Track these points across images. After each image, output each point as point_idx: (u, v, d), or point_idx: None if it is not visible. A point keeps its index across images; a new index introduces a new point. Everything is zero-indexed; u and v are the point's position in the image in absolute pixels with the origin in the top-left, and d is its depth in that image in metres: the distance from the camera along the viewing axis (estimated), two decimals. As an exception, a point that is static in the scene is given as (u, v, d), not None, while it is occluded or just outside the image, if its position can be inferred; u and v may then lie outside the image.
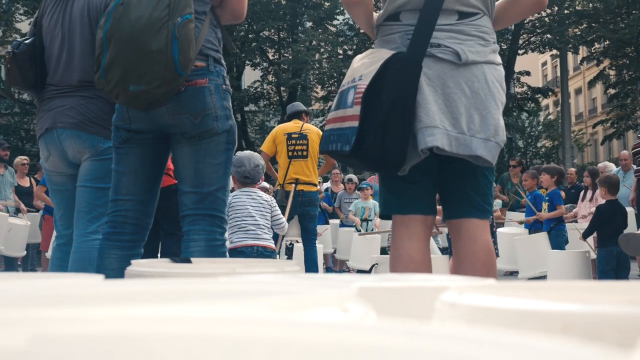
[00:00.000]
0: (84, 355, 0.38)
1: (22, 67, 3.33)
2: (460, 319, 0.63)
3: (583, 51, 26.96)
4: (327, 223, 10.95)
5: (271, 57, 24.51)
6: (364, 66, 2.54)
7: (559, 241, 8.28)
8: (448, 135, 2.50)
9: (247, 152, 5.47)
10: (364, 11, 2.75)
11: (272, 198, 5.43)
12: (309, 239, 6.77)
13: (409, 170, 2.56)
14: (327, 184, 12.33)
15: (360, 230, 9.98)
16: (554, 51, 26.15)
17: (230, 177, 2.90)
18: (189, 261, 1.87)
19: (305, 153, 6.91)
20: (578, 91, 40.45)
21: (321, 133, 6.98)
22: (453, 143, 2.50)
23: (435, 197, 2.75)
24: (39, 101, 3.43)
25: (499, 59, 2.68)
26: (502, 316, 0.59)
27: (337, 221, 11.18)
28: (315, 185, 7.02)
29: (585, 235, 7.59)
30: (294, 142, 6.89)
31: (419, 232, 2.62)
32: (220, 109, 2.78)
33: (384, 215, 2.79)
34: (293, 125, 7.06)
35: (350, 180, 11.58)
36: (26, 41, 3.39)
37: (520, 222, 9.17)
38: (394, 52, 2.53)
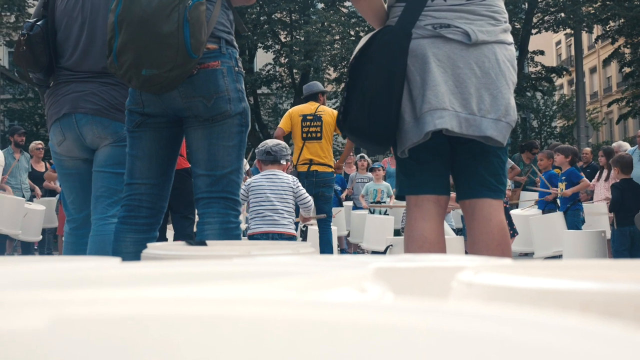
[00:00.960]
0: (104, 336, 0.38)
1: (35, 50, 3.28)
2: (477, 298, 0.63)
3: (597, 30, 26.69)
4: (341, 205, 10.94)
5: (283, 39, 24.44)
6: (361, 42, 2.57)
7: (575, 221, 8.25)
8: (458, 116, 2.49)
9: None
10: (369, 5, 2.70)
11: (296, 178, 5.33)
12: (323, 220, 6.77)
13: (421, 152, 2.56)
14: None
15: (372, 212, 9.96)
16: (568, 30, 25.89)
17: (244, 160, 2.90)
18: (204, 244, 1.88)
19: (319, 135, 6.91)
20: (593, 70, 40.10)
21: (336, 114, 7.00)
22: (463, 124, 2.50)
23: (449, 177, 2.75)
24: (52, 85, 3.40)
25: (510, 39, 2.67)
26: (519, 295, 0.59)
27: (350, 203, 11.16)
28: (330, 166, 7.02)
29: (612, 208, 7.47)
30: (308, 123, 6.89)
31: (432, 213, 2.62)
32: (233, 91, 2.78)
33: (399, 196, 2.80)
34: (308, 107, 7.06)
35: (362, 157, 11.52)
36: (38, 22, 3.33)
37: (536, 202, 9.12)
38: (384, 26, 2.55)
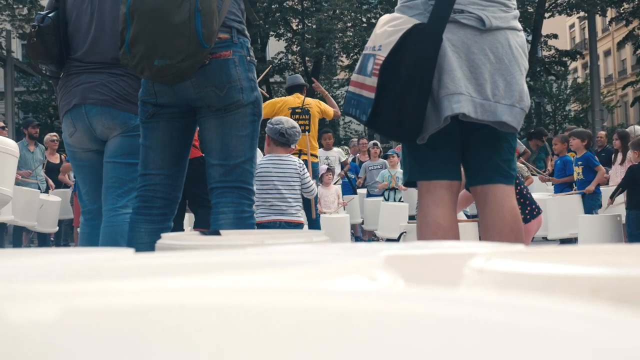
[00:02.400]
0: (114, 328, 0.39)
1: (46, 41, 3.29)
2: (489, 285, 0.63)
3: (611, 12, 26.42)
4: (355, 193, 10.95)
5: (295, 27, 24.39)
6: (385, 35, 2.52)
7: (592, 205, 8.21)
8: (473, 101, 2.49)
9: (285, 117, 5.49)
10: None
11: (302, 162, 5.28)
12: (310, 209, 6.84)
13: (432, 137, 2.55)
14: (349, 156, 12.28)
15: (387, 199, 9.95)
16: (582, 13, 25.66)
17: (257, 149, 2.90)
18: (218, 233, 1.89)
19: (307, 127, 7.05)
20: (607, 53, 39.76)
21: (319, 103, 7.15)
22: (478, 110, 2.49)
23: (460, 163, 2.74)
24: (64, 76, 3.40)
25: (519, 25, 2.67)
26: (530, 281, 0.59)
27: (364, 191, 11.15)
28: (315, 156, 7.24)
29: (612, 196, 7.48)
30: (297, 117, 6.97)
31: (445, 199, 2.62)
32: (245, 81, 2.78)
33: (408, 183, 2.78)
34: (294, 100, 7.19)
35: (375, 144, 11.50)
36: (50, 14, 3.34)
37: (543, 181, 9.05)
38: (415, 23, 2.51)
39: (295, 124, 5.21)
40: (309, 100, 7.26)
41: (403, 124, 2.50)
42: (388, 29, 2.54)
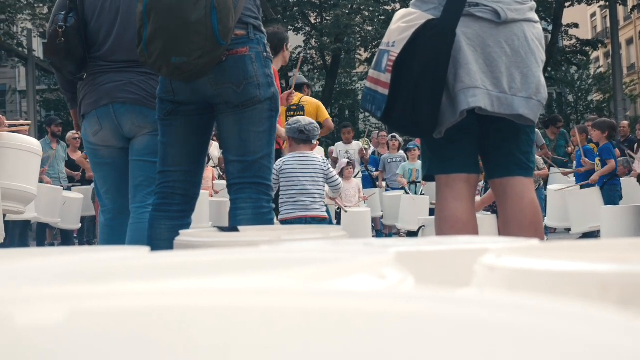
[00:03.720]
0: (120, 329, 0.39)
1: (71, 42, 3.27)
2: (498, 282, 0.63)
3: (632, 0, 26.13)
4: (375, 186, 10.93)
5: (313, 22, 24.37)
6: (399, 31, 2.52)
7: (612, 196, 8.12)
8: (490, 95, 2.48)
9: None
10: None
11: (326, 159, 5.26)
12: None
13: (450, 130, 2.55)
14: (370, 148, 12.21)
15: (408, 193, 9.93)
16: (603, 2, 25.41)
17: (275, 145, 2.91)
18: (237, 230, 1.90)
19: None
20: (629, 41, 39.30)
21: (318, 105, 7.18)
22: (495, 103, 2.48)
23: (478, 156, 2.73)
24: (87, 76, 3.39)
25: (536, 17, 2.65)
26: (539, 278, 0.59)
27: (384, 184, 11.13)
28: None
29: None
30: (292, 113, 6.98)
31: (463, 192, 2.61)
32: (262, 77, 2.78)
33: (427, 177, 2.78)
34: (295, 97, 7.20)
35: (393, 137, 11.45)
36: (70, 14, 3.31)
37: (564, 174, 8.97)
38: (428, 19, 2.50)
39: (312, 120, 5.23)
40: (306, 98, 7.31)
41: (417, 119, 2.50)
42: (402, 24, 2.53)
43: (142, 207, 3.23)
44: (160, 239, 2.76)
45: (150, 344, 0.38)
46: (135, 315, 0.40)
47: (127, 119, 3.29)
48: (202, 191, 6.89)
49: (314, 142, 5.15)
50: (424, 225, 4.77)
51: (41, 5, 22.58)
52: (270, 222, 2.83)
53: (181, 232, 1.76)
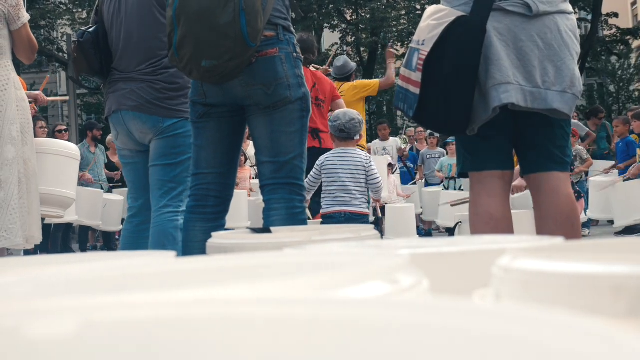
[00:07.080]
0: (130, 340, 0.40)
1: (87, 55, 3.47)
2: (514, 284, 0.63)
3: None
4: (415, 183, 10.88)
5: (349, 18, 24.35)
6: (428, 29, 2.50)
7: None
8: (522, 90, 2.45)
9: (343, 109, 5.41)
10: None
11: (369, 156, 5.20)
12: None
13: (483, 127, 2.52)
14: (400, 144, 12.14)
15: (447, 188, 9.86)
16: (643, -11, 24.94)
17: (306, 145, 2.91)
18: (269, 231, 1.91)
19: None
20: (671, 29, 38.51)
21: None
22: (528, 98, 2.45)
23: (512, 152, 2.71)
24: (107, 85, 3.58)
25: (570, 8, 2.60)
26: (553, 280, 0.59)
27: (422, 181, 11.09)
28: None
29: None
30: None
31: (497, 189, 2.59)
32: (292, 77, 2.79)
33: (462, 174, 2.77)
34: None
35: (432, 134, 11.38)
36: (89, 29, 3.53)
37: (606, 172, 8.82)
38: (457, 16, 2.48)
39: (354, 115, 5.07)
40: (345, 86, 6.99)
41: (449, 118, 2.48)
42: (431, 22, 2.52)
43: (156, 211, 3.38)
44: (195, 240, 2.79)
45: (157, 354, 0.39)
46: (145, 325, 0.41)
47: (133, 124, 3.46)
48: (240, 191, 6.84)
49: (356, 137, 5.10)
50: (460, 222, 4.73)
51: (80, 10, 22.89)
52: (304, 223, 2.83)
53: (213, 234, 1.78)
